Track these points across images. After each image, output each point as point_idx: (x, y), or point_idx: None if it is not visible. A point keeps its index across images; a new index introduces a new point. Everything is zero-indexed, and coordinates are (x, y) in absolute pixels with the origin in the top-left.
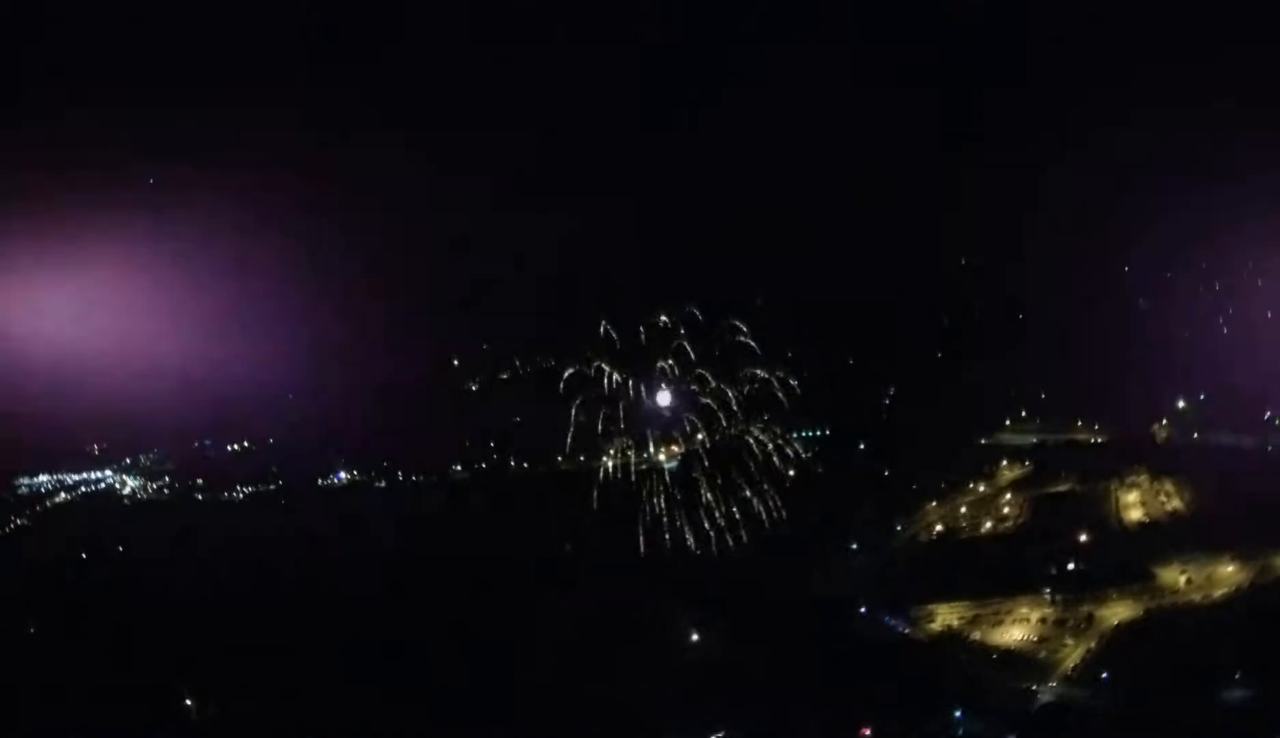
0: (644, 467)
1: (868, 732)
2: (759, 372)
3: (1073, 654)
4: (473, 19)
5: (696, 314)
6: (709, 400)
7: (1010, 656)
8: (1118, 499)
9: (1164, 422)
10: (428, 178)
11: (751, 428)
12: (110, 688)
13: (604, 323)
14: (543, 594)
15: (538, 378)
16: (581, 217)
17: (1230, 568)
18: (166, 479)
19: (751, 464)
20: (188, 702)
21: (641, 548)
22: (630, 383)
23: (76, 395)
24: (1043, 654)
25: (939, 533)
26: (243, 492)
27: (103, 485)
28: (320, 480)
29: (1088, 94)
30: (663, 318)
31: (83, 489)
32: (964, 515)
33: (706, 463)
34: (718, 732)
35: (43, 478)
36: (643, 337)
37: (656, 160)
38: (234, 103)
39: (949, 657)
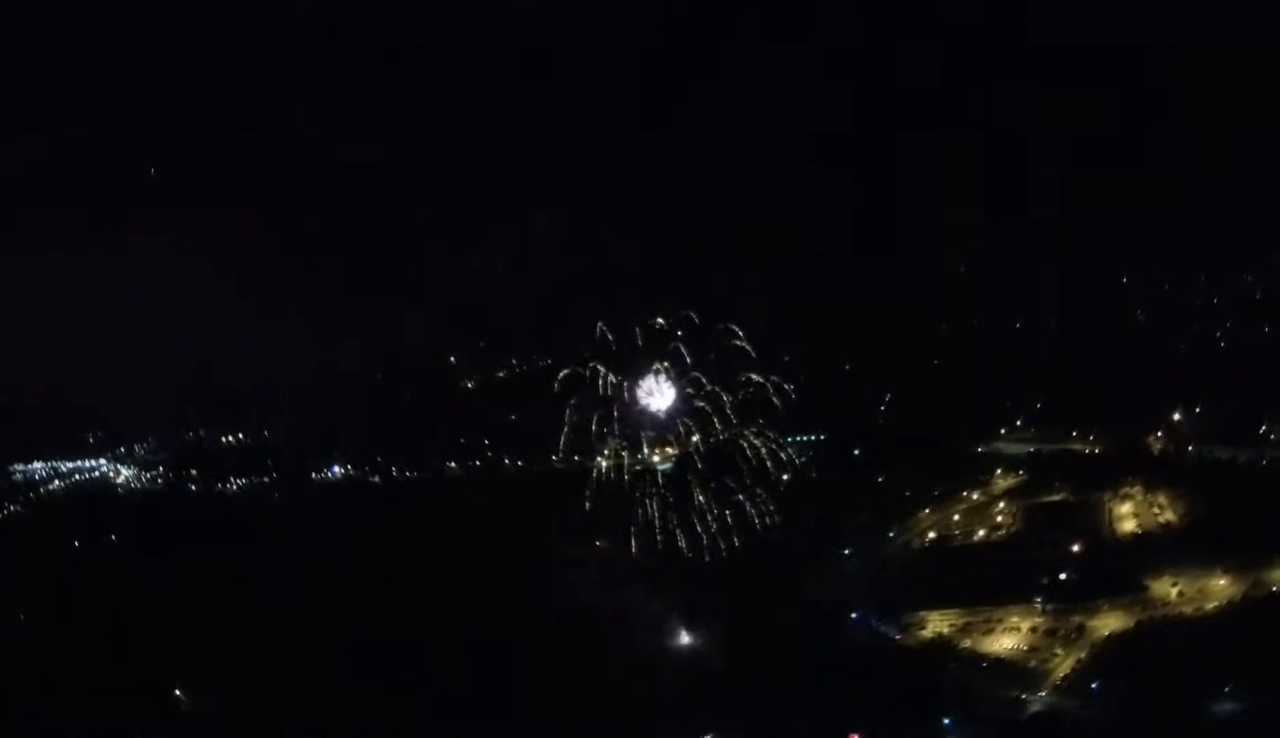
0: (638, 468)
1: None
2: (754, 376)
3: (1063, 664)
4: (472, 18)
5: (693, 317)
6: (704, 404)
7: (1001, 664)
8: (1111, 510)
9: (1159, 434)
10: (426, 176)
11: (746, 432)
12: (101, 678)
13: (600, 324)
14: (537, 594)
15: (534, 377)
16: (579, 217)
17: (1223, 581)
18: (160, 469)
19: (745, 468)
20: (178, 693)
21: (634, 549)
22: (626, 384)
23: (71, 383)
24: (1033, 663)
25: (932, 540)
26: (237, 483)
27: (96, 474)
28: (315, 474)
29: (1089, 95)
30: (659, 320)
31: (76, 477)
32: (957, 523)
33: (700, 466)
34: (708, 735)
35: (37, 465)
36: (639, 338)
37: (655, 161)
38: (231, 94)
39: (939, 664)
